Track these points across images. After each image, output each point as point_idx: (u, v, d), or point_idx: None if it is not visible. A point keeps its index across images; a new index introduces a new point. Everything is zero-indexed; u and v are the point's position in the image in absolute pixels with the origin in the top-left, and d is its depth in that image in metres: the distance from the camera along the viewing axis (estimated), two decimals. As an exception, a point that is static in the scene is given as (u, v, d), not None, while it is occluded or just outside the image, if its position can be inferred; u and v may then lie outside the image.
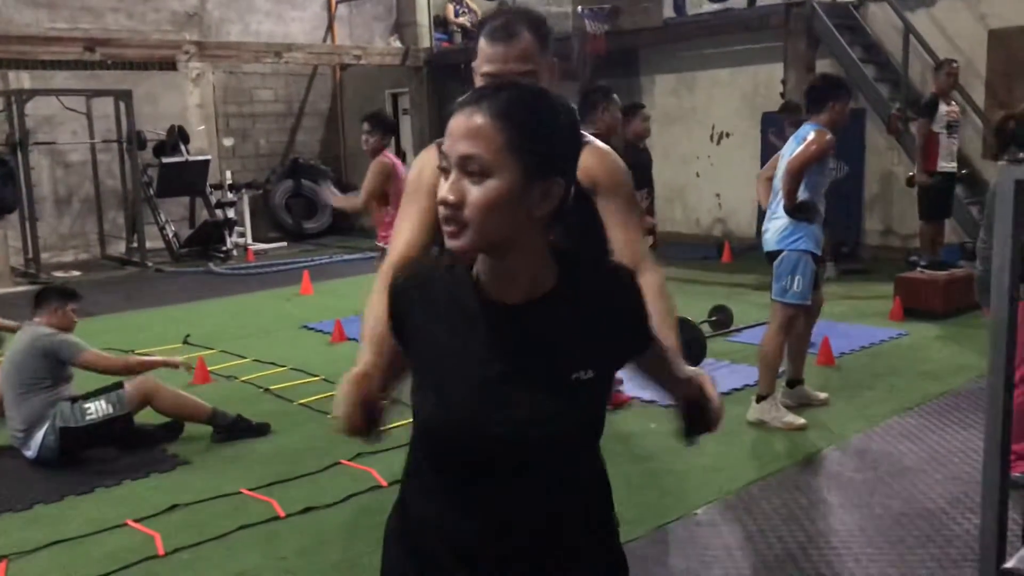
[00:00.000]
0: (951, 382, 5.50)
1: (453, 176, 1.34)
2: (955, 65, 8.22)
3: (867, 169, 10.04)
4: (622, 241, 2.12)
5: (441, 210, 1.35)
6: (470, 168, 1.32)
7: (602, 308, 1.46)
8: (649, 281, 1.98)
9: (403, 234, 2.12)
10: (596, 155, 2.19)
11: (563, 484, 1.47)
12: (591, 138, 2.22)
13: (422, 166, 2.17)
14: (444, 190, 1.35)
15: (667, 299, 2.02)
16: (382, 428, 1.61)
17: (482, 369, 1.41)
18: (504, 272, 1.41)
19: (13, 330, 5.60)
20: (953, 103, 8.18)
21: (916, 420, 4.93)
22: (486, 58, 2.02)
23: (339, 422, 1.60)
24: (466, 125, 1.33)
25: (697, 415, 1.64)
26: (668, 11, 11.08)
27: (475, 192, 1.32)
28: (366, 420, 1.59)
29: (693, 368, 1.67)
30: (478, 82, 2.06)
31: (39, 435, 4.63)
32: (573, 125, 1.42)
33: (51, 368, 4.72)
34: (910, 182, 8.29)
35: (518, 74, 1.99)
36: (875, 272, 8.58)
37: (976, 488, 4.03)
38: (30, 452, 4.67)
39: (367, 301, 1.93)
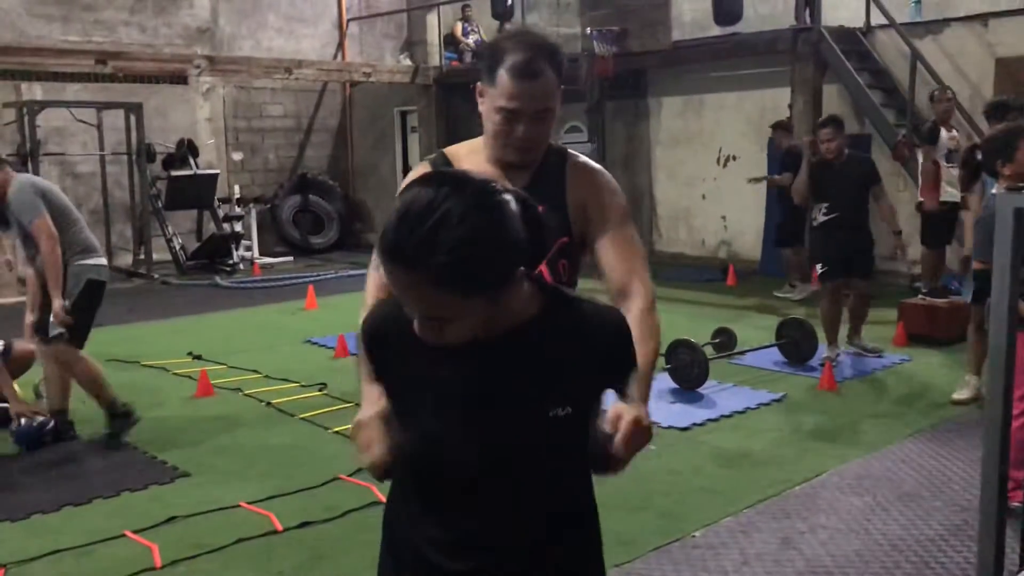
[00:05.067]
0: (953, 409, 5.48)
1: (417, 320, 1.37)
2: (948, 93, 8.23)
3: (873, 194, 10.05)
4: (612, 260, 2.07)
5: None
6: (433, 318, 1.36)
7: (585, 345, 1.44)
8: (632, 306, 1.99)
9: None
10: (582, 175, 2.17)
11: (544, 514, 1.47)
12: (577, 155, 2.21)
13: None
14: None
15: (647, 323, 1.98)
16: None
17: (460, 400, 1.42)
18: None
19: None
20: (954, 131, 8.17)
21: (917, 446, 4.92)
22: (508, 95, 2.01)
23: (371, 468, 1.55)
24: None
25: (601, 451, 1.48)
26: (677, 34, 11.15)
27: (446, 331, 1.36)
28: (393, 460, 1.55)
29: (629, 406, 1.48)
30: (490, 114, 2.06)
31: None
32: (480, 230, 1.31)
33: None
34: (919, 208, 8.30)
35: (539, 111, 2.03)
36: (879, 297, 8.56)
37: (976, 516, 4.01)
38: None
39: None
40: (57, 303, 4.93)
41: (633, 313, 1.98)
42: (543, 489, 1.46)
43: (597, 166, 2.22)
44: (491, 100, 2.05)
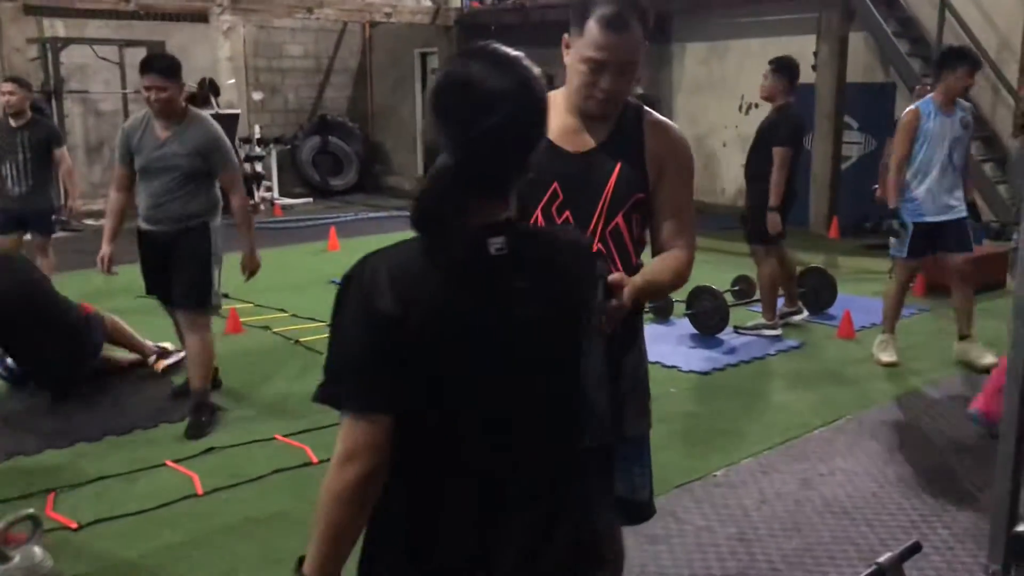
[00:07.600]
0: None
1: None
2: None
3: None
4: (665, 219, 2.22)
5: None
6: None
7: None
8: (675, 250, 2.22)
9: None
10: (661, 133, 2.24)
11: None
12: (652, 112, 2.26)
13: None
14: None
15: (677, 264, 2.20)
16: None
17: None
18: None
19: None
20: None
21: (936, 395, 5.02)
22: (596, 45, 2.04)
23: None
24: None
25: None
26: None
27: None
28: None
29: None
30: (575, 65, 2.09)
31: None
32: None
33: None
34: None
35: (624, 64, 2.08)
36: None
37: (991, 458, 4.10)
38: None
39: None
40: (257, 257, 4.96)
41: (673, 253, 2.20)
42: None
43: (673, 124, 2.30)
44: (578, 50, 2.09)
